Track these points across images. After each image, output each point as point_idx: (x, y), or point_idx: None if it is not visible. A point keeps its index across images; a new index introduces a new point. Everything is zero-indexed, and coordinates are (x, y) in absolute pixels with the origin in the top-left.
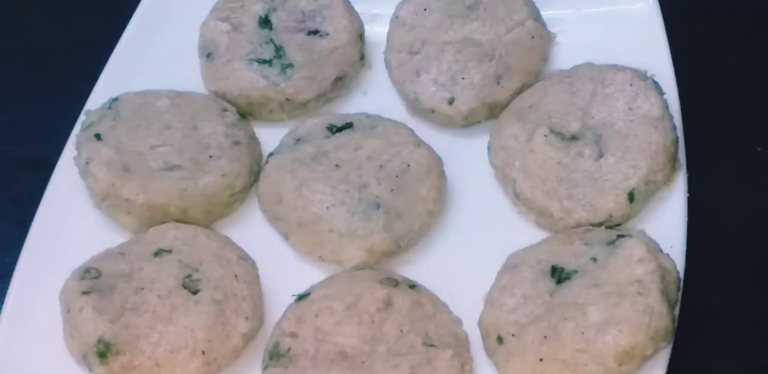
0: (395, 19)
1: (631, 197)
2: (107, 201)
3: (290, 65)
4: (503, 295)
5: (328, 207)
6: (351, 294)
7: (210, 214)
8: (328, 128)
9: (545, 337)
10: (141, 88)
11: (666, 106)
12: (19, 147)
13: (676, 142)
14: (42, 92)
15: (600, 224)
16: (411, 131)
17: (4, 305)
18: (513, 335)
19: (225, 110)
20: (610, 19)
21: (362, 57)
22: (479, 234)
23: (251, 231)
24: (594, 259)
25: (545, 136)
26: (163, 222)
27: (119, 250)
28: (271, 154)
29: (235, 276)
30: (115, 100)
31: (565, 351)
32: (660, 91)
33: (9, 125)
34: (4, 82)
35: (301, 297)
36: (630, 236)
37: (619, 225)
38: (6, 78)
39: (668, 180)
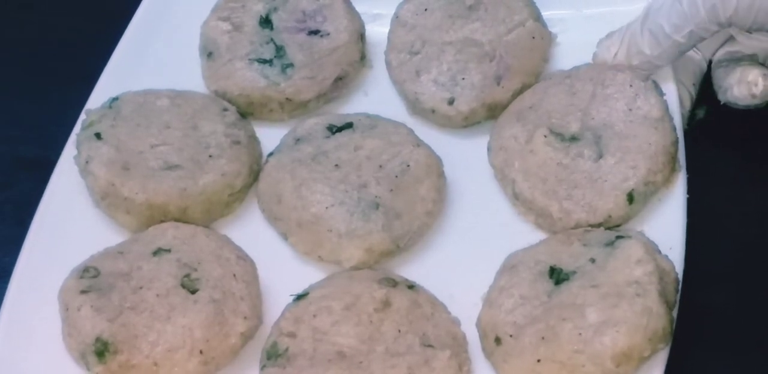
0: (396, 19)
1: (630, 198)
2: (107, 200)
3: (291, 65)
4: (501, 296)
5: (327, 207)
6: (349, 294)
7: (209, 214)
8: (328, 128)
9: (543, 338)
10: (141, 87)
11: (666, 107)
12: (19, 147)
13: (676, 143)
14: (42, 92)
15: (599, 225)
16: (411, 131)
17: (2, 303)
18: (511, 336)
19: (225, 110)
20: (611, 19)
21: (363, 57)
22: (478, 235)
23: (250, 230)
24: (592, 260)
25: (545, 136)
26: (163, 222)
27: (118, 249)
28: (270, 154)
29: (234, 275)
30: (116, 99)
31: (563, 352)
32: (660, 92)
33: (9, 125)
34: (4, 82)
35: (300, 297)
36: (629, 237)
37: (618, 226)
38: (6, 78)
39: (668, 181)
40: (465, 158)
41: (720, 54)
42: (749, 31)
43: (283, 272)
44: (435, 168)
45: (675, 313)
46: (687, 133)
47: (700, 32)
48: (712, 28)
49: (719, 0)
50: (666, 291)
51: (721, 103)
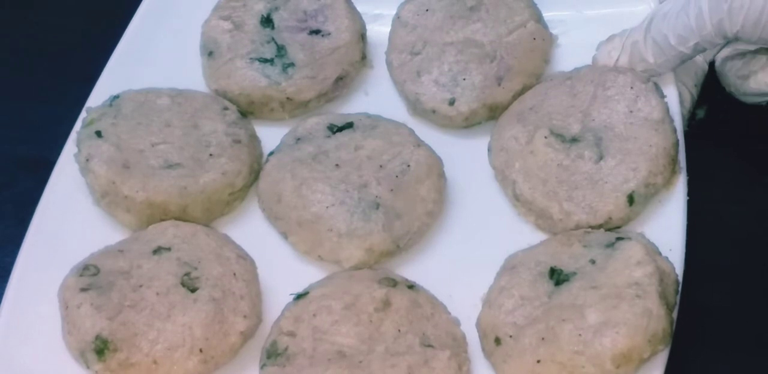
0: (397, 20)
1: (630, 200)
2: (107, 198)
3: (292, 64)
4: (501, 296)
5: (327, 207)
6: (349, 294)
7: (210, 213)
8: (328, 128)
9: (543, 339)
10: (142, 85)
11: (667, 109)
12: (19, 147)
13: (676, 144)
14: (42, 92)
15: (599, 226)
16: (411, 131)
17: (2, 301)
18: (511, 336)
19: (226, 109)
20: (612, 20)
21: (364, 57)
22: (478, 235)
23: (250, 229)
24: (593, 261)
25: (545, 137)
26: (163, 220)
27: (118, 247)
28: (271, 153)
29: (234, 274)
30: (116, 97)
31: (563, 353)
32: (661, 94)
33: (9, 125)
34: (4, 82)
35: (300, 297)
36: (629, 238)
37: (618, 227)
38: (6, 78)
39: (668, 183)
40: (465, 159)
41: (726, 52)
42: (755, 44)
43: (283, 271)
44: (435, 168)
45: (675, 314)
46: (687, 134)
47: (705, 44)
48: (717, 41)
49: (726, 15)
50: (666, 293)
51: (735, 96)
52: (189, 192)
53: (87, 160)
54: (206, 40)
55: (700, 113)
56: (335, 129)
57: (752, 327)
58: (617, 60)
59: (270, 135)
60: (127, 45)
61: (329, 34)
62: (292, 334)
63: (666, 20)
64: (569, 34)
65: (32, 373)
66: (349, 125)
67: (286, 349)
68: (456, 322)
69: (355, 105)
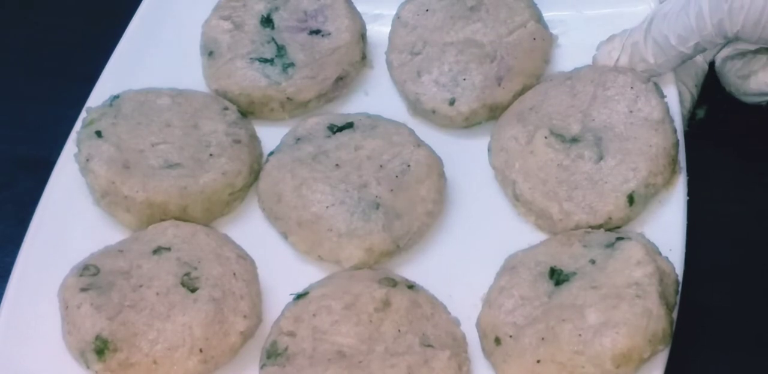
0: (397, 20)
1: (630, 200)
2: (107, 198)
3: (292, 64)
4: (501, 296)
5: (327, 207)
6: (349, 294)
7: (209, 213)
8: (328, 128)
9: (543, 339)
10: (142, 85)
11: (667, 109)
12: (19, 147)
13: (676, 145)
14: (42, 92)
15: (599, 226)
16: (411, 131)
17: (2, 301)
18: (510, 336)
19: (226, 109)
20: (612, 20)
21: (364, 57)
22: (478, 235)
23: (250, 229)
24: (593, 261)
25: (545, 137)
26: (163, 220)
27: (118, 247)
28: (271, 153)
29: (234, 274)
30: (117, 97)
31: (563, 353)
32: (661, 94)
33: (9, 125)
34: (4, 82)
35: (300, 296)
36: (629, 238)
37: (618, 227)
38: (6, 78)
39: (668, 183)
40: (465, 159)
41: (726, 52)
42: (755, 44)
43: (283, 271)
44: (435, 168)
45: (675, 314)
46: (687, 134)
47: (705, 44)
48: (717, 41)
49: (727, 15)
50: (666, 293)
51: (735, 96)
52: (189, 192)
53: (87, 160)
54: (206, 40)
55: (700, 113)
56: (335, 129)
57: (752, 327)
58: (617, 60)
59: (270, 135)
60: (127, 45)
61: (329, 34)
62: (292, 334)
63: (666, 20)
64: (569, 34)
65: (32, 373)
66: (349, 125)
67: (286, 349)
68: (456, 322)
69: (355, 105)
